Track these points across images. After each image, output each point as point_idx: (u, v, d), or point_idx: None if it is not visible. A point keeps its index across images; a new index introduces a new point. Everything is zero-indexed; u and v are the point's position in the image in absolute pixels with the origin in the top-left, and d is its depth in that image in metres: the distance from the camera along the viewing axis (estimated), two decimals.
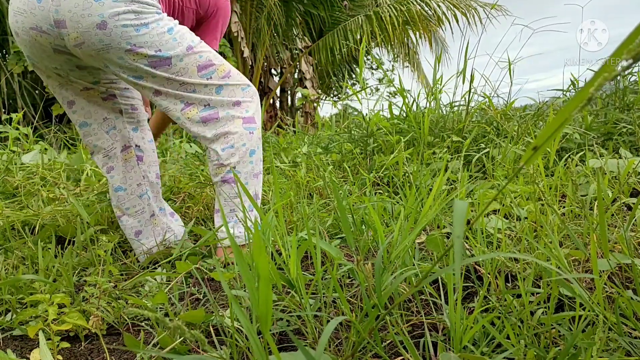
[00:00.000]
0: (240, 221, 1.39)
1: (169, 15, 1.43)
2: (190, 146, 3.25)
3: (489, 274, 0.93)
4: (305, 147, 2.71)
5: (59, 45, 1.26)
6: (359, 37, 7.36)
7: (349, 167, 2.29)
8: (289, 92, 8.65)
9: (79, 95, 1.43)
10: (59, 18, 1.19)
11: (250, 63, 6.99)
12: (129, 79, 1.30)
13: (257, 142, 1.41)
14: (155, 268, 1.40)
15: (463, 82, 2.30)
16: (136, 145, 1.53)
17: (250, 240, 1.11)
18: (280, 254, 1.18)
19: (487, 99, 2.40)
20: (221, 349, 0.84)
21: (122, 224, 1.53)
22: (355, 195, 1.71)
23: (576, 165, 1.62)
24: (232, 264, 1.31)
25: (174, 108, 1.35)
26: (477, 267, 1.08)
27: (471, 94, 2.27)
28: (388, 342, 0.84)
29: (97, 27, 1.19)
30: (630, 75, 2.36)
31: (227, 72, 1.38)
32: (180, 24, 1.45)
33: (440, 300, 0.90)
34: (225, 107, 1.37)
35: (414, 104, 2.53)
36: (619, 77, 2.26)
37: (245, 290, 0.94)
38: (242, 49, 6.25)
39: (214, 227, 1.51)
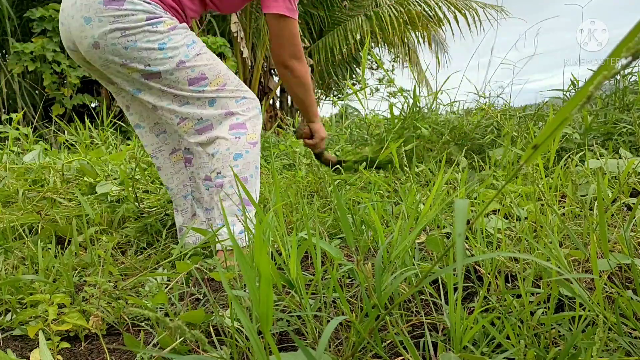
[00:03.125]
0: (240, 221, 1.39)
1: (195, 6, 1.42)
2: None
3: (489, 274, 0.93)
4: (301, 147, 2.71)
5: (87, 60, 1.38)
6: (359, 37, 7.36)
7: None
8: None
9: (133, 100, 1.53)
10: (72, 38, 1.32)
11: (250, 63, 6.99)
12: (133, 92, 1.36)
13: (244, 146, 1.39)
14: (156, 268, 1.40)
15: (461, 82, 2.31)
16: (185, 148, 1.60)
17: (250, 242, 1.11)
18: (280, 254, 1.18)
19: (487, 100, 2.40)
20: (221, 349, 0.84)
21: (176, 220, 1.64)
22: (353, 192, 1.71)
23: (576, 165, 1.62)
24: (227, 268, 1.31)
25: (171, 122, 1.39)
26: (477, 267, 1.08)
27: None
28: (388, 342, 0.84)
29: (93, 47, 1.28)
30: (630, 76, 2.36)
31: (222, 85, 1.37)
32: (224, 2, 1.46)
33: (440, 300, 0.90)
34: (218, 118, 1.38)
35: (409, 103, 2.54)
36: (619, 77, 2.26)
37: (245, 290, 0.94)
38: (242, 49, 6.25)
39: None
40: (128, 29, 1.25)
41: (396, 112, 2.68)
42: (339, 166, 2.03)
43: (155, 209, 1.88)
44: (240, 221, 1.38)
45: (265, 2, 1.44)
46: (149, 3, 1.27)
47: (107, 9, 1.23)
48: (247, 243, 1.22)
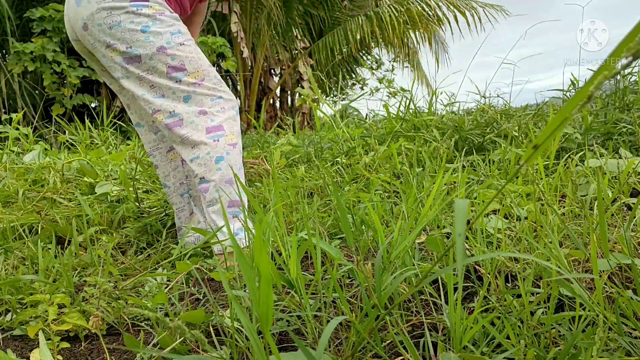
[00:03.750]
0: (240, 221, 1.39)
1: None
2: None
3: (489, 274, 0.93)
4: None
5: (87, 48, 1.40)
6: (359, 37, 7.35)
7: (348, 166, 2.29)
8: (289, 92, 8.65)
9: (134, 100, 1.53)
10: (72, 26, 1.36)
11: (250, 63, 6.99)
12: (117, 78, 1.37)
13: (224, 148, 1.38)
14: (156, 268, 1.40)
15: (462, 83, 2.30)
16: None
17: (250, 242, 1.11)
18: (280, 254, 1.18)
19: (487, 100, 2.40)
20: (221, 349, 0.84)
21: (175, 220, 1.65)
22: (353, 192, 1.71)
23: (576, 165, 1.62)
24: (227, 269, 1.31)
25: (147, 113, 1.42)
26: (477, 267, 1.08)
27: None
28: (388, 342, 0.84)
29: (83, 29, 1.32)
30: (630, 76, 2.36)
31: (199, 79, 1.37)
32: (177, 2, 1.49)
33: (440, 300, 0.90)
34: (191, 115, 1.37)
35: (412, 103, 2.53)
36: (619, 77, 2.26)
37: (245, 290, 0.94)
38: (242, 49, 6.25)
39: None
40: (113, 9, 1.28)
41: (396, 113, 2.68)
42: None
43: (155, 209, 1.88)
44: (240, 221, 1.38)
45: None
46: None
47: None
48: (247, 243, 1.23)
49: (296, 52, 8.07)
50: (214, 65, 6.91)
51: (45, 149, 2.93)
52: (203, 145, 1.36)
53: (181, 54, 1.34)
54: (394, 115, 2.66)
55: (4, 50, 6.33)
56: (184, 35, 1.37)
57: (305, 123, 7.85)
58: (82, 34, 1.32)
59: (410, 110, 2.62)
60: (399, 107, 2.64)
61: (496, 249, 1.06)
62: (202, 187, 1.39)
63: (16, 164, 2.41)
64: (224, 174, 1.38)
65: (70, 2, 1.33)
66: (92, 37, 1.31)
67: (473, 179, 1.77)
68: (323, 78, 7.86)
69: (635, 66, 2.32)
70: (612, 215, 1.24)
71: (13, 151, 2.89)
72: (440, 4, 7.24)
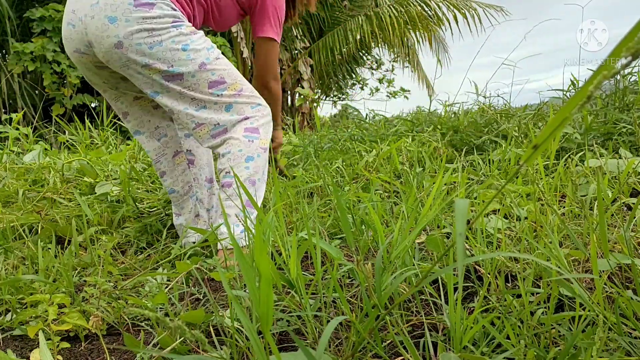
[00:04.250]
0: (240, 222, 1.39)
1: (199, 19, 1.47)
2: None
3: (489, 274, 0.93)
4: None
5: (99, 62, 1.37)
6: (359, 37, 7.36)
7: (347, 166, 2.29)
8: (289, 92, 8.66)
9: (132, 106, 1.54)
10: (89, 39, 1.30)
11: (250, 63, 6.99)
12: (150, 94, 1.37)
13: (256, 150, 1.41)
14: (156, 268, 1.40)
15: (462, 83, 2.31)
16: (187, 150, 1.63)
17: (251, 242, 1.11)
18: (280, 254, 1.18)
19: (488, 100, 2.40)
20: (221, 349, 0.84)
21: (176, 222, 1.65)
22: (353, 192, 1.71)
23: (576, 165, 1.62)
24: (227, 268, 1.31)
25: (187, 128, 1.41)
26: (477, 267, 1.08)
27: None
28: (388, 342, 0.84)
29: (115, 47, 1.28)
30: (630, 76, 2.36)
31: (238, 90, 1.40)
32: (219, 21, 1.53)
33: (440, 300, 0.90)
34: (234, 123, 1.40)
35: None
36: (618, 77, 2.26)
37: (245, 290, 0.94)
38: (242, 49, 6.26)
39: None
40: (155, 30, 1.28)
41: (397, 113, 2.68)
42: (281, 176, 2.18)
43: (156, 209, 1.88)
44: (240, 222, 1.38)
45: (258, 27, 1.55)
46: (175, 9, 1.32)
47: (137, 10, 1.26)
48: (247, 243, 1.23)
49: (296, 52, 8.07)
50: None
51: (45, 149, 2.93)
52: (237, 141, 1.39)
53: (219, 67, 1.37)
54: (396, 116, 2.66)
55: (4, 50, 6.33)
56: (215, 49, 1.40)
57: (305, 123, 7.85)
58: (111, 51, 1.28)
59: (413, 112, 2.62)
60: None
61: (496, 249, 1.06)
62: (225, 182, 1.40)
63: (16, 164, 2.41)
64: (250, 174, 1.40)
65: (93, 15, 1.27)
66: (126, 55, 1.28)
67: (473, 179, 1.77)
68: (323, 78, 7.86)
69: (635, 66, 2.32)
70: (612, 215, 1.24)
71: (13, 151, 2.89)
72: (440, 4, 7.24)
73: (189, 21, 1.42)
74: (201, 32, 1.39)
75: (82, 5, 1.29)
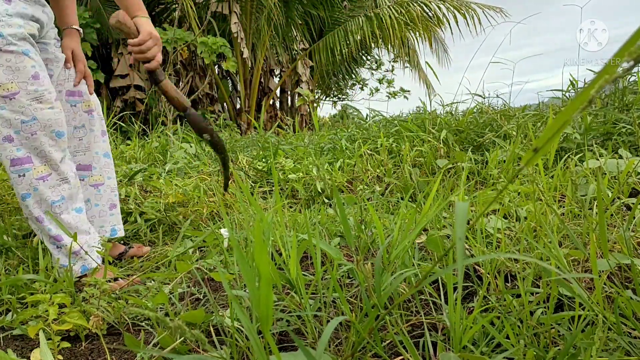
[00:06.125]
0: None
1: None
2: (191, 146, 3.25)
3: (488, 274, 0.93)
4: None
5: None
6: (359, 37, 7.36)
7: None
8: (288, 92, 8.66)
9: None
10: None
11: (250, 63, 6.99)
12: None
13: (29, 184, 1.24)
14: (157, 268, 1.41)
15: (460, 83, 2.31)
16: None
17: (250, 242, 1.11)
18: (280, 254, 1.18)
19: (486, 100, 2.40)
20: (221, 348, 0.84)
21: None
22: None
23: (575, 166, 1.62)
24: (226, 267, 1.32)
25: None
26: (477, 267, 1.08)
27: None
28: (388, 342, 0.85)
29: None
30: (629, 76, 2.36)
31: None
32: None
33: (440, 300, 0.91)
34: None
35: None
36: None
37: (245, 290, 0.94)
38: (242, 49, 6.25)
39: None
40: None
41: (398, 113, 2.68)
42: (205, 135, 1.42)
43: (155, 209, 1.88)
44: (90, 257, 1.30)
45: None
46: None
47: None
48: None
49: (296, 52, 8.07)
50: (214, 65, 6.91)
51: None
52: (12, 181, 1.28)
53: None
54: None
55: None
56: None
57: (305, 124, 7.85)
58: None
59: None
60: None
61: (496, 249, 1.07)
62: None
63: None
64: (32, 212, 1.28)
65: None
66: None
67: (473, 179, 1.77)
68: (323, 78, 7.86)
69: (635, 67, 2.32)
70: (612, 215, 1.24)
71: None
72: (440, 5, 7.25)
73: None
74: None
75: None
